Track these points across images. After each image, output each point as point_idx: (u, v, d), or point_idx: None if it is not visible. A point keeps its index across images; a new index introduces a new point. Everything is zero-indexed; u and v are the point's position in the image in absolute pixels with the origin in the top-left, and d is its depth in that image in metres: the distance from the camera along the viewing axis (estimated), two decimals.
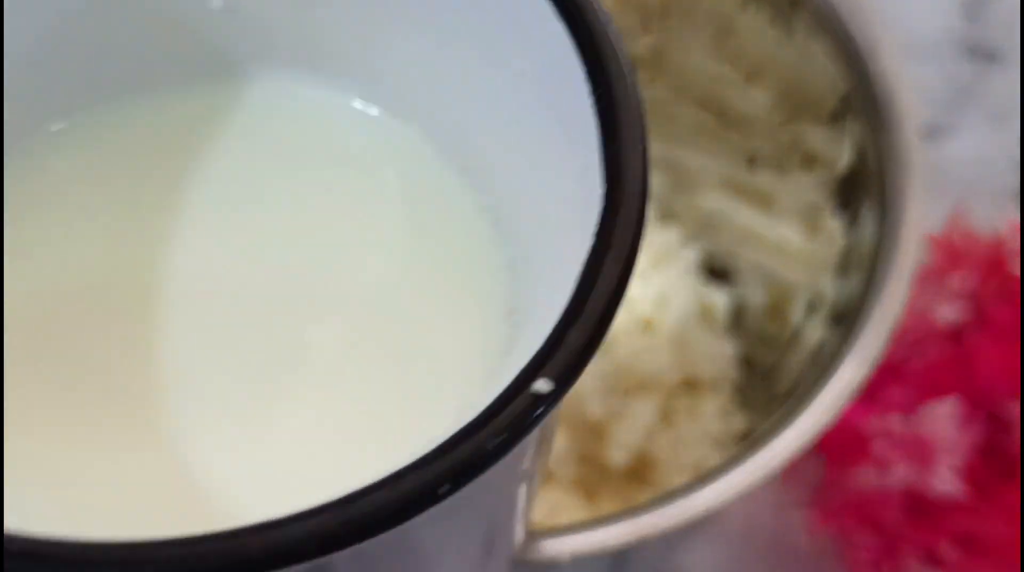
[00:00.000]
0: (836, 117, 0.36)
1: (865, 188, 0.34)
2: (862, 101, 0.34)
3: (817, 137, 0.37)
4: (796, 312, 0.41)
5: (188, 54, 0.25)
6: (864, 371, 0.31)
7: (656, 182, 0.48)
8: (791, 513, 0.47)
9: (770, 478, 0.30)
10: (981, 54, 0.62)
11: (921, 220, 0.32)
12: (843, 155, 0.36)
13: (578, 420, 0.41)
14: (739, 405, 0.44)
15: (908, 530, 0.44)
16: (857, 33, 0.34)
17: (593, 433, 0.42)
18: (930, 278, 0.48)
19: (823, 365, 0.32)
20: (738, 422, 0.43)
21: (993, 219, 0.54)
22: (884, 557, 0.44)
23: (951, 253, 0.49)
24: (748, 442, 0.31)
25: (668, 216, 0.48)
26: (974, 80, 0.61)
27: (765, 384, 0.44)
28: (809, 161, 0.38)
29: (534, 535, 0.29)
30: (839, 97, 0.35)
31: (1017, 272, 0.47)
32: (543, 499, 0.41)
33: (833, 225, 0.37)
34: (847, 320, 0.33)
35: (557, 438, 0.41)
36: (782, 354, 0.42)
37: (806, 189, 0.39)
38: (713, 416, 0.44)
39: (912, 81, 0.60)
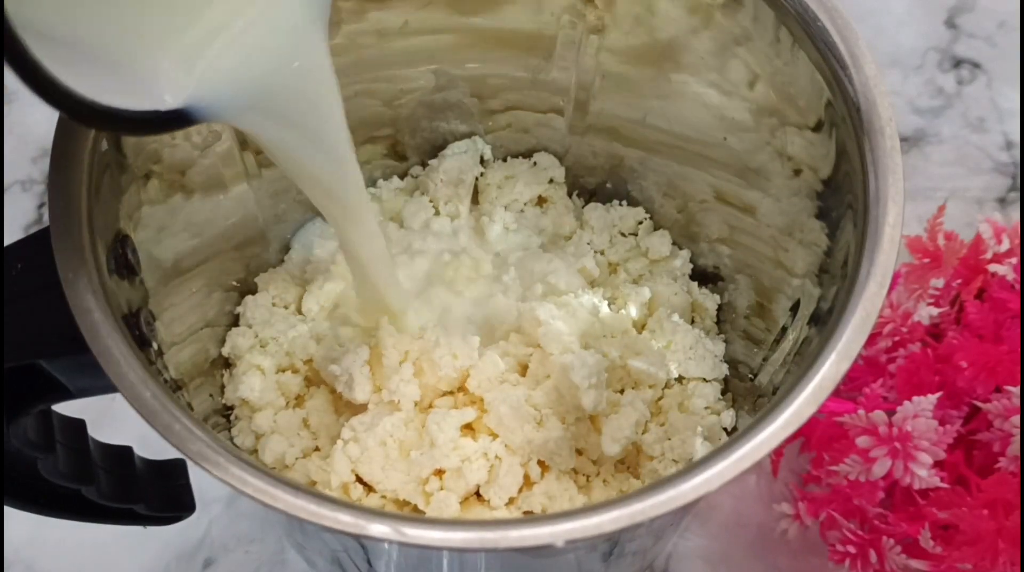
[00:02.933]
0: (820, 126, 0.37)
1: (847, 193, 0.35)
2: (844, 108, 0.35)
3: (802, 145, 0.38)
4: (781, 313, 0.43)
5: None
6: (845, 366, 0.32)
7: (648, 190, 0.49)
8: (777, 505, 0.48)
9: (755, 468, 0.31)
10: (963, 63, 0.63)
11: (900, 223, 0.33)
12: (827, 162, 0.37)
13: (573, 414, 0.42)
14: (727, 401, 0.46)
15: (891, 521, 0.45)
16: (840, 43, 0.35)
17: (587, 427, 0.43)
18: (912, 278, 0.50)
19: (806, 362, 0.33)
20: (726, 418, 0.45)
21: (973, 221, 0.55)
22: (867, 547, 0.45)
23: (932, 254, 0.50)
24: (735, 435, 0.32)
25: (660, 222, 0.50)
26: (956, 89, 0.63)
27: (752, 381, 0.45)
28: (794, 168, 0.39)
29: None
30: (824, 106, 0.36)
31: (995, 272, 0.48)
32: (539, 489, 0.42)
33: (816, 229, 0.38)
34: (829, 319, 0.33)
35: (553, 430, 0.42)
36: (768, 353, 0.43)
37: (790, 194, 0.40)
38: (702, 412, 0.45)
39: (897, 89, 0.62)
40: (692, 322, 0.48)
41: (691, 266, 0.49)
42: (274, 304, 0.46)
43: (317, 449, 0.44)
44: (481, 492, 0.42)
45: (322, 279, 0.46)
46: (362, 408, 0.43)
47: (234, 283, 0.46)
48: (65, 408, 0.38)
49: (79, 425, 0.40)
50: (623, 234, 0.50)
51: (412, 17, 0.43)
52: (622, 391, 0.44)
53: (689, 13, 0.40)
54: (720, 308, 0.48)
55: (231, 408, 0.45)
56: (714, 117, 0.42)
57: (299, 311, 0.47)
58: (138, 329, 0.35)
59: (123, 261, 0.35)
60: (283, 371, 0.45)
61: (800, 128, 0.39)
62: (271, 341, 0.45)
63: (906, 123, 0.61)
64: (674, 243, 0.49)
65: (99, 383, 0.31)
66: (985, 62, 0.63)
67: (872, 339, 0.48)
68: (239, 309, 0.46)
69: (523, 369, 0.44)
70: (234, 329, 0.46)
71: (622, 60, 0.43)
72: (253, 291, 0.47)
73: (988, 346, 0.46)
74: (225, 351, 0.45)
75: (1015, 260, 0.49)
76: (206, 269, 0.43)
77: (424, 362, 0.43)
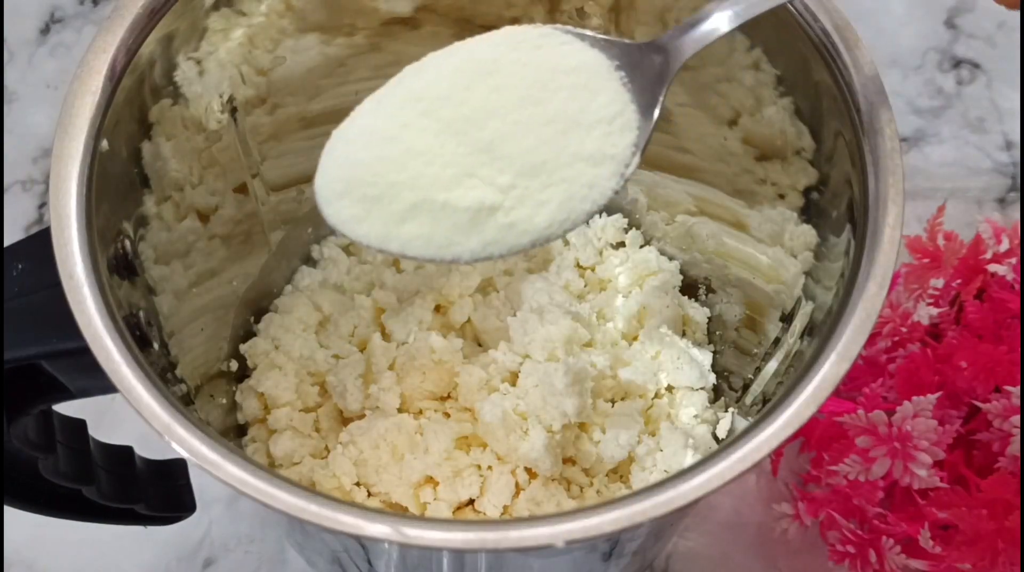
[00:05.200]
0: (820, 145, 0.37)
1: (841, 202, 0.35)
2: (844, 109, 0.35)
3: (799, 166, 0.39)
4: (771, 325, 0.43)
5: None
6: (845, 367, 0.32)
7: (641, 206, 0.49)
8: (777, 505, 0.48)
9: (756, 468, 0.31)
10: (962, 63, 0.63)
11: (901, 223, 0.33)
12: (819, 174, 0.37)
13: (559, 420, 0.42)
14: (716, 411, 0.46)
15: (890, 521, 0.45)
16: (840, 43, 0.35)
17: (574, 433, 0.43)
18: (911, 279, 0.50)
19: (806, 364, 0.33)
20: (718, 429, 0.45)
21: (973, 221, 0.55)
22: (867, 547, 0.45)
23: (932, 254, 0.50)
24: (735, 436, 0.32)
25: (649, 236, 0.50)
26: (956, 89, 0.63)
27: (744, 392, 0.45)
28: (784, 186, 0.40)
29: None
30: (831, 132, 0.36)
31: (994, 272, 0.48)
32: (525, 495, 0.42)
33: (809, 234, 0.39)
34: (827, 324, 0.33)
35: (537, 437, 0.42)
36: (760, 363, 0.44)
37: (780, 207, 0.40)
38: (691, 421, 0.45)
39: (897, 89, 0.62)
40: (683, 334, 0.48)
41: (681, 277, 0.49)
42: (297, 329, 0.46)
43: (326, 449, 0.44)
44: (476, 505, 0.42)
45: (337, 315, 0.47)
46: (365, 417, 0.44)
47: (248, 300, 0.47)
48: (65, 408, 0.38)
49: (79, 425, 0.40)
50: (613, 246, 0.49)
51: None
52: (613, 402, 0.44)
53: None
54: (710, 320, 0.48)
55: (243, 426, 0.45)
56: (714, 135, 0.42)
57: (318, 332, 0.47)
58: (138, 329, 0.35)
59: (123, 261, 0.35)
60: (302, 381, 0.45)
61: (797, 152, 0.39)
62: (296, 359, 0.45)
63: (906, 123, 0.61)
64: (663, 254, 0.49)
65: (99, 383, 0.31)
66: (985, 62, 0.63)
67: (872, 339, 0.48)
68: (257, 326, 0.47)
69: (514, 378, 0.44)
70: (255, 339, 0.46)
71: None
72: (266, 309, 0.47)
73: (988, 346, 0.46)
74: (244, 350, 0.46)
75: (1015, 260, 0.49)
76: (218, 294, 0.44)
77: (409, 366, 0.43)
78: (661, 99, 0.33)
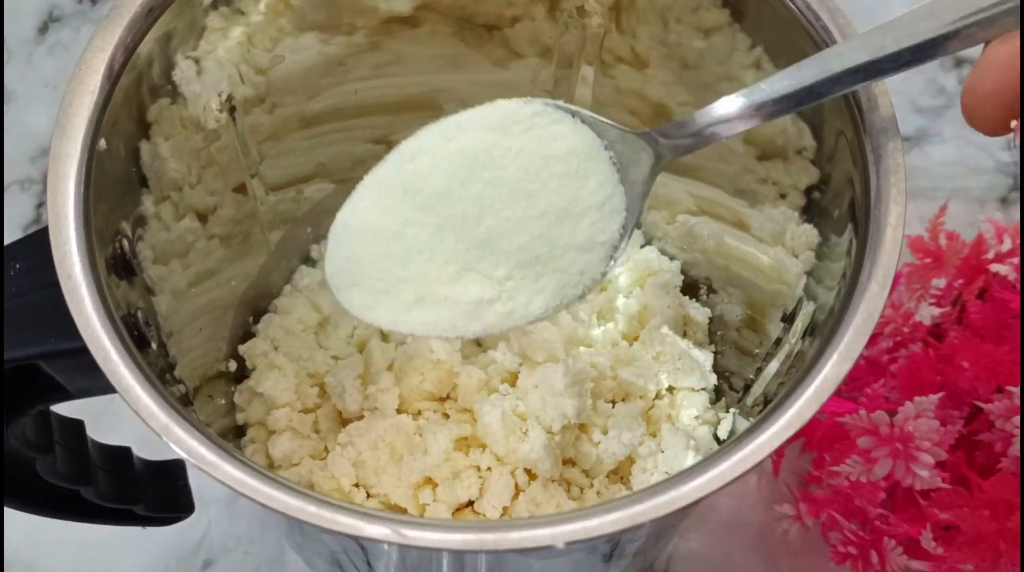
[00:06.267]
0: (821, 146, 0.37)
1: (843, 201, 0.35)
2: (846, 109, 0.35)
3: (800, 166, 0.39)
4: (773, 325, 0.43)
5: None
6: (847, 367, 0.32)
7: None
8: (778, 506, 0.48)
9: (757, 469, 0.31)
10: (964, 63, 0.63)
11: (903, 223, 0.33)
12: (819, 174, 0.37)
13: (559, 422, 0.42)
14: (717, 411, 0.45)
15: (892, 522, 0.45)
16: (840, 40, 0.35)
17: (575, 434, 0.43)
18: (913, 278, 0.49)
19: (807, 364, 0.33)
20: (719, 430, 0.45)
21: (975, 221, 0.55)
22: (869, 548, 0.45)
23: (934, 254, 0.50)
24: (737, 436, 0.32)
25: (650, 235, 0.49)
26: (958, 88, 0.62)
27: (745, 392, 0.45)
28: (785, 185, 0.40)
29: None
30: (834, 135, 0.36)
31: (996, 272, 0.48)
32: (525, 496, 0.42)
33: (810, 234, 0.38)
34: (828, 324, 0.33)
35: (537, 438, 0.42)
36: (762, 364, 0.43)
37: (783, 204, 0.40)
38: (692, 422, 0.45)
39: (898, 88, 0.62)
40: (684, 335, 0.47)
41: (682, 277, 0.49)
42: (297, 329, 0.46)
43: (325, 450, 0.44)
44: (475, 507, 0.42)
45: (337, 315, 0.46)
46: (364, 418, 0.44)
47: (247, 300, 0.46)
48: (64, 408, 0.38)
49: (78, 425, 0.40)
50: None
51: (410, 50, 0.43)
52: (613, 403, 0.44)
53: (693, 33, 0.40)
54: (711, 321, 0.48)
55: (242, 427, 0.45)
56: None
57: (318, 333, 0.47)
58: (137, 329, 0.35)
59: (122, 261, 0.35)
60: (301, 382, 0.45)
61: (798, 151, 0.39)
62: (295, 360, 0.45)
63: (907, 122, 0.61)
64: (664, 254, 0.49)
65: (98, 383, 0.31)
66: None
67: (874, 339, 0.48)
68: (256, 327, 0.47)
69: (513, 378, 0.44)
70: (253, 340, 0.46)
71: (619, 88, 0.44)
72: (265, 310, 0.47)
73: (990, 346, 0.46)
74: (243, 351, 0.45)
75: (1017, 260, 0.48)
76: (217, 294, 0.44)
77: (408, 366, 0.43)
78: (650, 188, 0.35)
